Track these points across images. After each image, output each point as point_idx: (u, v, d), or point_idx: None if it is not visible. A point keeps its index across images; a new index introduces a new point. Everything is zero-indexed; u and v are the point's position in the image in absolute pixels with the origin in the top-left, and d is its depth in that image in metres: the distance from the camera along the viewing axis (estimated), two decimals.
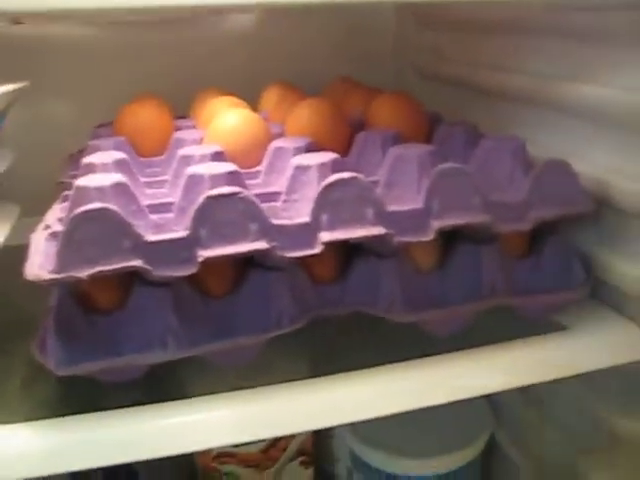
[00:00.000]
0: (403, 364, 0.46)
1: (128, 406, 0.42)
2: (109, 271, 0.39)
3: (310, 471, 0.76)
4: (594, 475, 0.55)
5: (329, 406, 0.44)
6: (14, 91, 0.53)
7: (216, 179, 0.44)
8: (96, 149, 0.55)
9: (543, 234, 0.49)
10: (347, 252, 0.47)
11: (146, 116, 0.59)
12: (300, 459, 0.75)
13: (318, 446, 0.77)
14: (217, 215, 0.41)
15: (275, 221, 0.42)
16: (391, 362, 0.46)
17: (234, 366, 0.45)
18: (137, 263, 0.40)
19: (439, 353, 0.47)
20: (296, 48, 0.78)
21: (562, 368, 0.47)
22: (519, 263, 0.49)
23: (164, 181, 0.52)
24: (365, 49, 0.81)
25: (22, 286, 0.42)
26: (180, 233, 0.41)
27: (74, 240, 0.39)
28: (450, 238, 0.48)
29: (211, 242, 0.41)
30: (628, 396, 0.52)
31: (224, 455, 0.71)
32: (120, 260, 0.40)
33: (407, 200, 0.47)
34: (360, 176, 0.43)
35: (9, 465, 0.40)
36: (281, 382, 0.44)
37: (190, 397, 0.43)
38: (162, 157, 0.58)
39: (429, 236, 0.44)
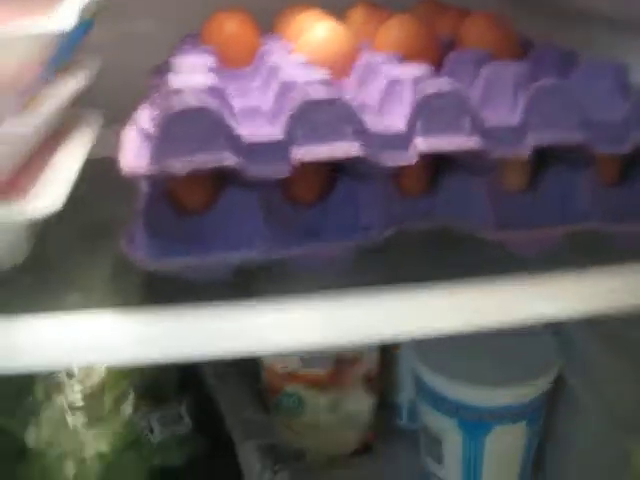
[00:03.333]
0: (481, 280, 0.45)
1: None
2: (205, 167, 0.39)
3: (373, 399, 0.77)
4: None
5: (405, 316, 0.44)
6: None
7: (310, 86, 0.44)
8: (184, 58, 0.55)
9: (638, 161, 0.48)
10: (438, 166, 0.46)
11: (233, 26, 0.59)
12: (364, 386, 0.75)
13: (383, 375, 0.78)
14: (314, 118, 0.41)
15: (371, 127, 0.42)
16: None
17: (320, 273, 0.45)
18: (232, 161, 0.40)
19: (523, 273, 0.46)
20: None
21: None
22: (613, 189, 0.48)
23: (253, 89, 0.52)
24: None
25: (110, 193, 0.42)
26: (276, 135, 0.41)
27: (171, 135, 0.39)
28: (544, 159, 0.47)
29: (306, 143, 0.41)
30: None
31: (291, 374, 0.72)
32: (216, 157, 0.40)
33: (502, 117, 0.46)
34: (459, 86, 0.42)
35: (94, 350, 0.41)
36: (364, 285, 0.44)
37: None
38: (249, 68, 0.57)
39: (526, 152, 0.43)
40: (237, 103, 0.50)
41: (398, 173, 0.45)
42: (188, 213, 0.44)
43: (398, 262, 0.48)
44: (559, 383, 0.69)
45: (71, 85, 0.53)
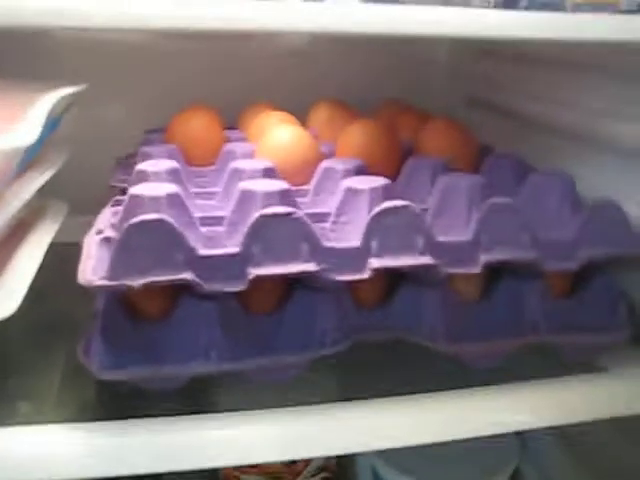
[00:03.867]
0: (436, 395, 0.46)
1: (166, 415, 0.43)
2: (161, 282, 0.40)
3: None
4: None
5: (358, 432, 0.44)
6: (72, 94, 0.54)
7: (269, 197, 0.45)
8: (148, 156, 0.56)
9: (589, 273, 0.49)
10: (392, 277, 0.47)
11: (198, 125, 0.60)
12: (322, 475, 0.75)
13: (341, 463, 0.77)
14: (270, 234, 0.42)
15: (326, 243, 0.43)
16: (425, 391, 0.46)
17: (274, 383, 0.45)
18: (189, 276, 0.40)
19: (474, 384, 0.47)
20: (347, 68, 0.79)
21: (596, 410, 0.47)
22: (563, 301, 0.49)
23: (214, 193, 0.53)
24: (417, 74, 0.81)
25: (70, 282, 0.42)
26: (232, 249, 0.42)
27: (128, 248, 0.40)
28: (494, 271, 0.48)
29: (262, 260, 0.41)
30: None
31: (247, 465, 0.71)
32: (172, 272, 0.40)
33: (455, 230, 0.47)
34: (412, 204, 0.44)
35: (43, 466, 0.41)
36: (317, 402, 0.44)
37: (225, 411, 0.44)
38: (213, 167, 0.58)
39: (477, 269, 0.44)
40: (198, 207, 0.51)
41: (353, 285, 0.45)
42: (145, 320, 0.44)
43: (353, 373, 0.48)
44: (516, 478, 0.69)
45: (37, 181, 0.54)
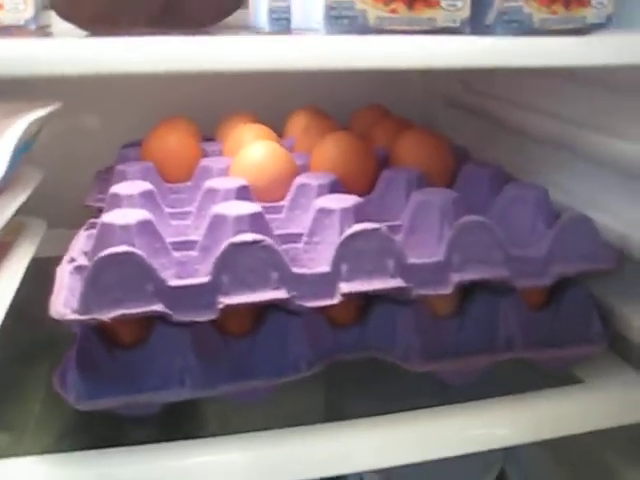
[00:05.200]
0: (414, 413, 0.46)
1: (144, 442, 0.43)
2: (132, 314, 0.40)
3: None
4: None
5: (338, 453, 0.44)
6: (47, 115, 0.54)
7: (240, 221, 0.45)
8: (122, 175, 0.56)
9: (563, 286, 0.49)
10: (366, 297, 0.47)
11: (173, 142, 0.60)
12: None
13: None
14: (239, 262, 0.42)
15: (295, 270, 0.43)
16: (402, 410, 0.46)
17: (248, 404, 0.45)
18: (159, 307, 0.40)
19: (452, 401, 0.47)
20: (324, 73, 0.78)
21: (576, 423, 0.47)
22: (537, 315, 0.49)
23: (189, 212, 0.53)
24: (394, 76, 0.81)
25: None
26: (202, 279, 0.42)
27: (98, 283, 0.40)
28: (469, 286, 0.48)
29: (232, 289, 0.42)
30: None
31: None
32: (142, 304, 0.40)
33: (428, 248, 0.47)
34: (382, 227, 0.44)
35: None
36: (293, 425, 0.45)
37: (204, 436, 0.44)
38: (188, 184, 0.58)
39: (448, 290, 0.44)
40: (172, 228, 0.51)
41: (326, 307, 0.45)
42: (121, 347, 0.44)
43: (329, 393, 0.49)
44: None
45: (13, 204, 0.54)
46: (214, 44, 0.38)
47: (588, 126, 0.55)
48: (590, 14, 0.45)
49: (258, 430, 0.44)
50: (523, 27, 0.44)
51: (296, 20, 0.47)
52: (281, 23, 0.50)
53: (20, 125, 0.47)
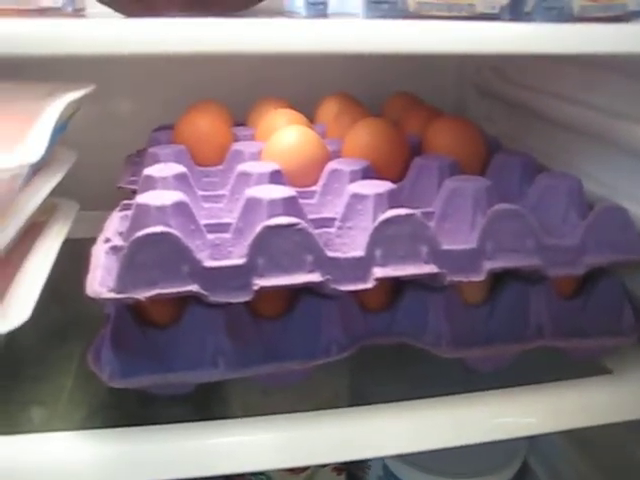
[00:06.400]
0: (442, 399, 0.46)
1: (177, 421, 0.44)
2: (167, 294, 0.41)
3: (342, 477, 0.77)
4: None
5: (365, 438, 0.45)
6: (82, 97, 0.54)
7: (274, 204, 0.45)
8: (155, 158, 0.57)
9: (595, 276, 0.49)
10: (398, 282, 0.48)
11: (205, 125, 0.60)
12: (333, 465, 0.76)
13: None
14: (274, 245, 0.42)
15: (330, 254, 0.43)
16: (429, 396, 0.46)
17: (280, 388, 0.46)
18: (195, 288, 0.41)
19: (481, 388, 0.47)
20: (357, 59, 0.78)
21: (605, 414, 0.47)
22: (568, 304, 0.49)
23: (221, 196, 0.53)
24: (427, 64, 0.81)
25: (82, 280, 0.43)
26: (237, 261, 0.42)
27: (135, 262, 0.40)
28: (500, 274, 0.48)
29: (267, 271, 0.42)
30: None
31: None
32: (178, 284, 0.41)
33: (460, 235, 0.47)
34: (416, 213, 0.44)
35: (53, 474, 0.42)
36: (323, 408, 0.45)
37: (234, 417, 0.45)
38: (220, 167, 0.58)
39: (481, 277, 0.44)
40: (205, 211, 0.52)
41: (359, 292, 0.46)
42: (155, 327, 0.45)
43: (359, 378, 0.49)
44: (524, 471, 0.70)
45: (47, 185, 0.54)
46: (252, 27, 0.38)
47: (623, 116, 0.54)
48: (631, 1, 0.45)
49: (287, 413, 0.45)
50: (563, 14, 0.43)
51: (333, 5, 0.47)
52: (318, 8, 0.50)
53: (58, 106, 0.47)
